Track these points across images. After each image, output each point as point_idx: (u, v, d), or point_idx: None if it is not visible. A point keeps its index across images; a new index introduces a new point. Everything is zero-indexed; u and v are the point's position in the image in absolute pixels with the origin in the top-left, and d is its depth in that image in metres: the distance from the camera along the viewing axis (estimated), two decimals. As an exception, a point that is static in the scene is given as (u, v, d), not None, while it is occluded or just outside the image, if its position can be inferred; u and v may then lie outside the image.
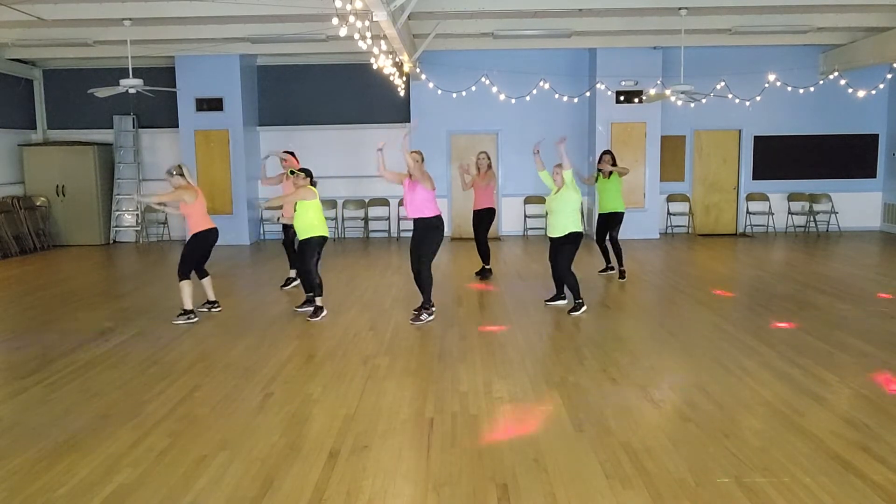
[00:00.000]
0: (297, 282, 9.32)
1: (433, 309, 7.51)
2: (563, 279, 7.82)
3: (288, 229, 9.10)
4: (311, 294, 7.79)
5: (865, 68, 13.05)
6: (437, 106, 13.92)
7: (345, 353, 6.31)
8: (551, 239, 7.88)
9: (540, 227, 14.43)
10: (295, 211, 7.60)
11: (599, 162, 9.68)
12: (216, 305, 8.00)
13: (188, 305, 7.53)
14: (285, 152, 9.32)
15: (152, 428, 4.63)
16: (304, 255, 7.63)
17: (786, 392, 5.13)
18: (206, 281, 7.97)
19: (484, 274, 9.85)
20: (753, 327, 6.99)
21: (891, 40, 11.71)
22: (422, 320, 7.34)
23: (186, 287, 7.51)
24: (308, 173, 7.62)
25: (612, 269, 9.88)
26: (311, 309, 7.72)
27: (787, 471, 3.89)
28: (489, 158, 9.89)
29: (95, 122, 14.36)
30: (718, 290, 8.87)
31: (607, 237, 9.74)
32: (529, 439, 4.38)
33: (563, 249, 7.73)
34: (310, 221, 7.54)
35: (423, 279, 7.45)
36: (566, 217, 7.66)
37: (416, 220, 7.45)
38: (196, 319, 7.53)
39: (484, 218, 9.84)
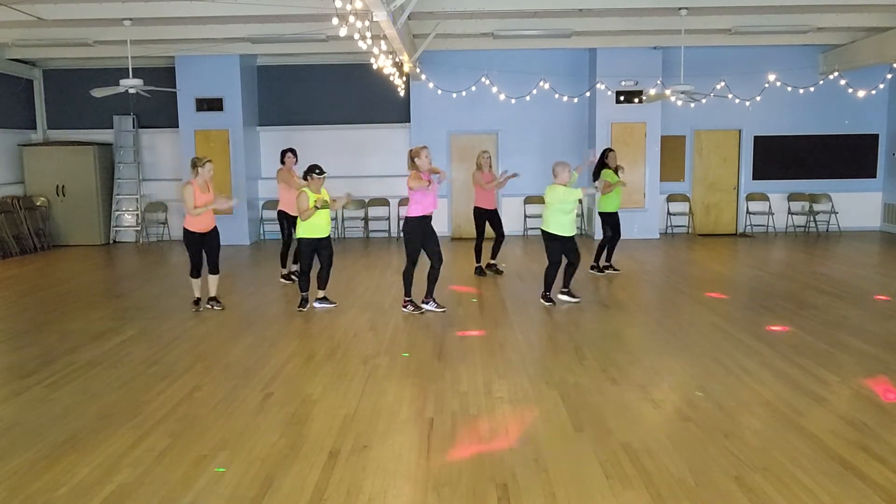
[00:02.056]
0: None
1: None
2: (576, 268, 8.18)
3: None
4: (308, 293, 8.04)
5: (865, 68, 13.05)
6: (437, 106, 13.93)
7: (345, 353, 6.31)
8: (571, 238, 7.99)
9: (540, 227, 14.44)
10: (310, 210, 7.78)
11: (607, 158, 9.66)
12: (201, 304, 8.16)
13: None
14: (286, 150, 9.43)
15: (152, 428, 4.63)
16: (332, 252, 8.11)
17: (786, 392, 5.13)
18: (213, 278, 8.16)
19: (496, 269, 10.07)
20: (753, 327, 6.99)
21: (891, 40, 11.71)
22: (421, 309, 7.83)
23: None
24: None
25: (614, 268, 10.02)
26: (315, 306, 8.08)
27: (787, 471, 3.89)
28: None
29: (95, 122, 14.37)
30: (714, 293, 8.86)
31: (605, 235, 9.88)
32: (529, 439, 4.38)
33: (575, 243, 8.08)
34: None
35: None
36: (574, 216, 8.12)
37: (429, 215, 7.72)
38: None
39: (494, 217, 9.91)
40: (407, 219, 7.69)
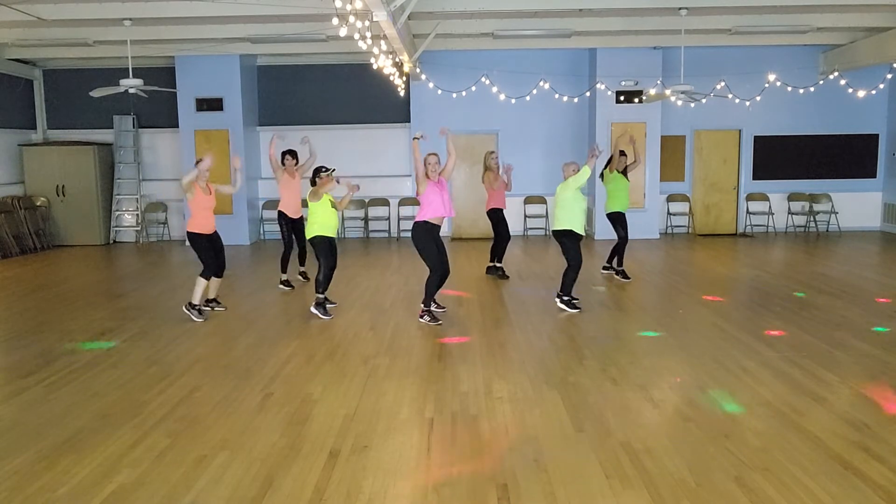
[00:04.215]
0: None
1: None
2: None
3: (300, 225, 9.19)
4: (325, 295, 7.82)
5: (865, 68, 13.06)
6: (437, 106, 13.92)
7: (345, 353, 6.31)
8: (581, 237, 7.89)
9: (540, 227, 14.46)
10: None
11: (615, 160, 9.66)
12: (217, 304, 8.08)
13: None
14: (286, 152, 9.35)
15: (152, 428, 4.63)
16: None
17: (786, 392, 5.13)
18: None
19: (502, 272, 9.91)
20: (753, 327, 6.99)
21: (891, 40, 11.71)
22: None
23: None
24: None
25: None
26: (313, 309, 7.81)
27: (787, 471, 3.89)
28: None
29: (95, 122, 14.37)
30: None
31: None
32: (529, 439, 4.38)
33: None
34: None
35: None
36: None
37: (440, 220, 7.35)
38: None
39: (502, 217, 9.86)
40: (414, 224, 7.36)
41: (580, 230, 7.81)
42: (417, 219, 7.33)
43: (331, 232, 7.74)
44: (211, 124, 13.55)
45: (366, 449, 4.26)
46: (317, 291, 7.71)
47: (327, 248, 7.70)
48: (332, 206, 7.73)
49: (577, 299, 7.90)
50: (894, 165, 14.18)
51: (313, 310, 7.66)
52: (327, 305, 7.79)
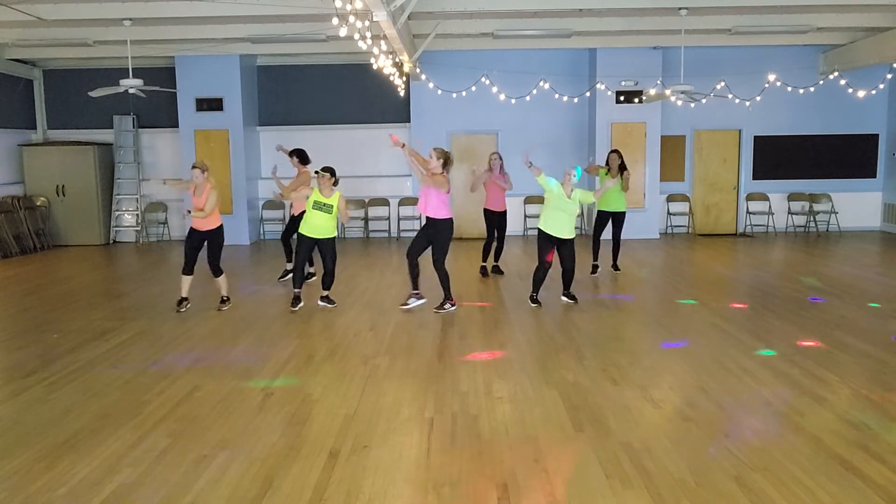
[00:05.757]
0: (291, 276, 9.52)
1: (453, 301, 7.92)
2: (573, 273, 8.16)
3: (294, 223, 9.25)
4: (300, 291, 8.03)
5: (865, 68, 13.06)
6: (437, 106, 13.92)
7: (345, 353, 6.31)
8: (565, 240, 7.92)
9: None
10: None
11: (609, 160, 9.74)
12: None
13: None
14: (294, 151, 9.40)
15: (152, 428, 4.62)
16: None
17: (786, 392, 5.13)
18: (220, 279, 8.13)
19: (498, 271, 10.02)
20: (753, 327, 6.99)
21: (891, 40, 11.71)
22: (445, 309, 7.76)
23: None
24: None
25: (598, 267, 9.97)
26: (318, 303, 8.15)
27: (787, 471, 3.89)
28: (501, 159, 10.02)
29: (95, 122, 14.36)
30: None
31: (600, 234, 9.91)
32: (529, 439, 4.38)
33: (571, 247, 7.97)
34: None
35: (442, 276, 7.82)
36: (574, 219, 7.98)
37: (429, 219, 7.74)
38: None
39: (503, 219, 9.88)
40: None
41: (555, 232, 7.88)
42: None
43: (314, 232, 7.84)
44: (211, 124, 13.55)
45: (366, 449, 4.26)
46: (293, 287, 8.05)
47: (303, 247, 7.90)
48: (319, 209, 7.77)
49: (563, 294, 8.14)
50: (894, 165, 14.18)
51: (319, 302, 8.09)
52: (319, 304, 8.09)
